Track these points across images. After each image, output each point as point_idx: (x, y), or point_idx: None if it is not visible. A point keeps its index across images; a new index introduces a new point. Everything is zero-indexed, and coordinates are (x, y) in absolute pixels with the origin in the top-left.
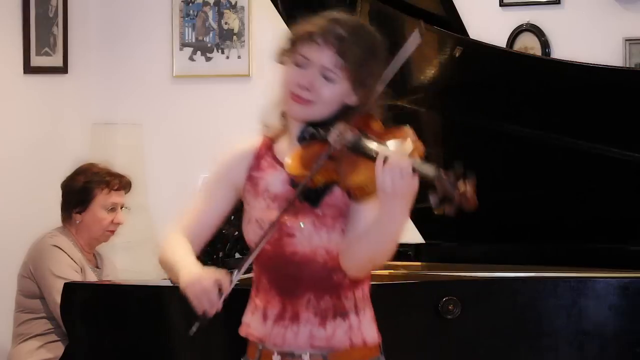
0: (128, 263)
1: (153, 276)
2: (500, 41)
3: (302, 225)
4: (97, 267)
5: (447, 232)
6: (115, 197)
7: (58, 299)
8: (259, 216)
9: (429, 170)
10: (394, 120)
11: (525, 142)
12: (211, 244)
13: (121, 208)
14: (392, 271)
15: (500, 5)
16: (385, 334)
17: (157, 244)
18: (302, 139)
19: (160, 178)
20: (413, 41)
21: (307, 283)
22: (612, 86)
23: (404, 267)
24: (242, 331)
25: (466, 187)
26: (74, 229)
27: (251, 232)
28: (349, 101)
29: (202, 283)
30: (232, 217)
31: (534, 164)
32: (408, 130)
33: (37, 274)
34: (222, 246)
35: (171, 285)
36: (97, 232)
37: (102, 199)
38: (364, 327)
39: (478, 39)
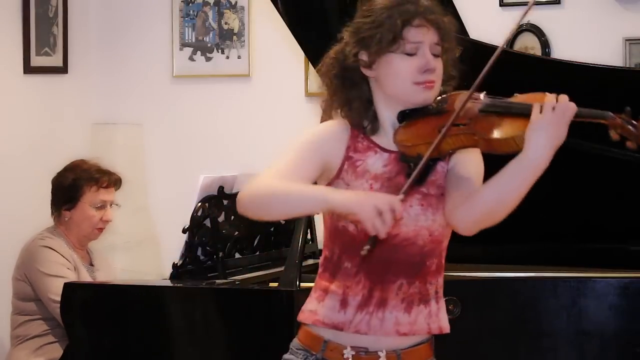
0: (128, 263)
1: (153, 276)
2: (500, 41)
3: (410, 207)
4: (91, 264)
5: None
6: (104, 195)
7: (54, 297)
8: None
9: (599, 113)
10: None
11: None
12: (211, 244)
13: (111, 205)
14: None
15: (500, 5)
16: None
17: (157, 243)
18: (403, 118)
19: (160, 178)
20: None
21: (400, 268)
22: (612, 86)
23: None
24: (308, 319)
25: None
26: (63, 227)
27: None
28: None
29: (380, 199)
30: (233, 217)
31: None
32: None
33: (30, 276)
34: (222, 246)
35: (171, 285)
36: (87, 230)
37: (91, 196)
38: (442, 314)
39: (478, 39)
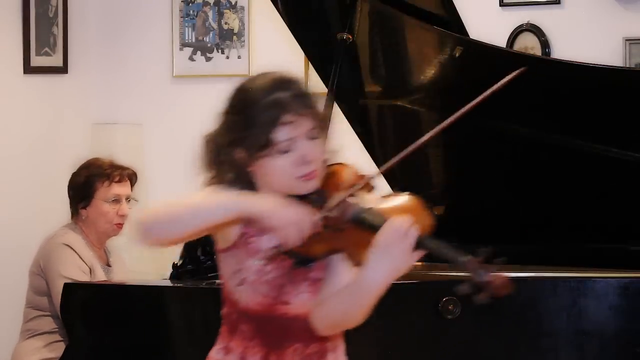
0: (128, 263)
1: (153, 276)
2: (500, 41)
3: (300, 293)
4: (108, 264)
5: (447, 232)
6: (117, 189)
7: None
8: (253, 278)
9: (452, 254)
10: (394, 121)
11: (525, 142)
12: (211, 244)
13: (127, 200)
14: None
15: (500, 5)
16: (385, 333)
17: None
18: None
19: (160, 178)
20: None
21: (296, 335)
22: (612, 86)
23: None
24: None
25: (497, 277)
26: (82, 225)
27: (243, 293)
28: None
29: (296, 211)
30: None
31: (534, 164)
32: (409, 196)
33: (47, 271)
34: None
35: (171, 285)
36: (104, 226)
37: (104, 191)
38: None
39: (478, 39)
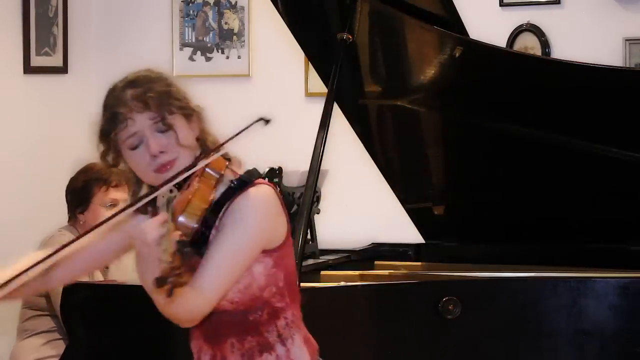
0: (128, 263)
1: None
2: (500, 41)
3: None
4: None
5: (447, 232)
6: (115, 194)
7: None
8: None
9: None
10: (394, 121)
11: (525, 142)
12: None
13: None
14: (392, 271)
15: (500, 5)
16: (385, 334)
17: None
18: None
19: None
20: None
21: (227, 328)
22: (612, 86)
23: (404, 267)
24: None
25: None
26: (80, 229)
27: None
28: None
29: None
30: None
31: (534, 164)
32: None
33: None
34: None
35: None
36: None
37: (101, 196)
38: (293, 354)
39: (478, 39)
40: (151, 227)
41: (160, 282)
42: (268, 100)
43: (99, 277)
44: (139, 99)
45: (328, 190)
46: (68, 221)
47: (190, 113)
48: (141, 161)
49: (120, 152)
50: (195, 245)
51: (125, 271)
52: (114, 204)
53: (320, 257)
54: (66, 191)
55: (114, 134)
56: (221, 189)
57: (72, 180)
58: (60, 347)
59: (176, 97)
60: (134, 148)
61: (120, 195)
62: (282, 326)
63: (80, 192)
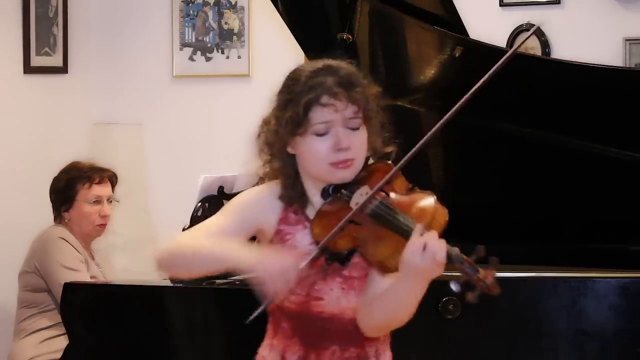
0: (128, 263)
1: (153, 276)
2: (500, 41)
3: (331, 290)
4: (96, 264)
5: (447, 232)
6: (98, 190)
7: None
8: None
9: (452, 252)
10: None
11: (525, 142)
12: None
13: (109, 201)
14: None
15: (500, 5)
16: None
17: (157, 243)
18: (326, 194)
19: (160, 178)
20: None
21: (333, 336)
22: (612, 86)
23: None
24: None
25: (488, 276)
26: (66, 227)
27: None
28: (373, 147)
29: (276, 261)
30: None
31: (534, 164)
32: (432, 197)
33: (44, 267)
34: None
35: (171, 285)
36: (87, 227)
37: (85, 193)
38: None
39: (478, 39)
40: (441, 245)
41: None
42: (268, 100)
43: (95, 272)
44: (348, 88)
45: None
46: (54, 220)
47: (376, 120)
48: (322, 150)
49: (295, 133)
50: None
51: (114, 272)
52: (98, 200)
53: None
54: (50, 191)
55: (309, 112)
56: None
57: (56, 180)
58: (58, 343)
59: (373, 101)
60: (320, 134)
61: (104, 191)
62: (381, 341)
63: (64, 190)
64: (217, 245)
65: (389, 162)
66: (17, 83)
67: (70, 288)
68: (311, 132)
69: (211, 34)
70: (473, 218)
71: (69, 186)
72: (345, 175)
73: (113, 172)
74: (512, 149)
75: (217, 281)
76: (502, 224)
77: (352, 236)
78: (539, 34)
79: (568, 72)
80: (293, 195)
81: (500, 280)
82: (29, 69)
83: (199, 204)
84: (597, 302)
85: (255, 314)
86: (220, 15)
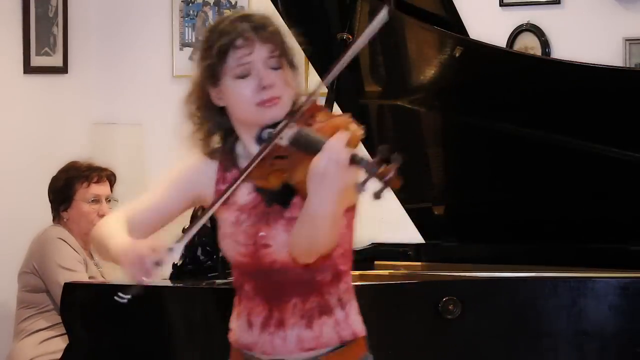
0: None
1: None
2: (500, 41)
3: (277, 234)
4: (95, 264)
5: (447, 232)
6: (96, 189)
7: None
8: (231, 230)
9: (359, 158)
10: (394, 121)
11: (525, 142)
12: (211, 244)
13: (108, 200)
14: (392, 271)
15: (500, 5)
16: (385, 334)
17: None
18: (260, 141)
19: (160, 178)
20: (378, 21)
21: (292, 287)
22: (612, 86)
23: (404, 267)
24: (230, 337)
25: (387, 169)
26: (65, 227)
27: (228, 247)
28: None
29: (136, 250)
30: None
31: (534, 164)
32: (348, 118)
33: (43, 268)
34: None
35: (171, 285)
36: (86, 227)
37: (83, 192)
38: (352, 320)
39: (478, 39)
40: (341, 145)
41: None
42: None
43: (94, 271)
44: (260, 30)
45: None
46: (53, 220)
47: (296, 66)
48: (246, 91)
49: (217, 81)
50: None
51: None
52: (96, 199)
53: None
54: (49, 190)
55: (226, 58)
56: None
57: (54, 180)
58: (58, 343)
59: (289, 42)
60: (241, 77)
61: (102, 190)
62: (343, 290)
63: (63, 189)
64: (110, 231)
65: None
66: (17, 83)
67: (70, 288)
68: (232, 76)
69: None
70: (473, 218)
71: (68, 186)
72: (274, 113)
73: (111, 172)
74: (512, 149)
75: (217, 281)
76: (502, 224)
77: (280, 170)
78: (539, 34)
79: (568, 72)
80: (230, 149)
81: (500, 280)
82: (29, 69)
83: None
84: (597, 302)
85: (127, 296)
86: (220, 15)
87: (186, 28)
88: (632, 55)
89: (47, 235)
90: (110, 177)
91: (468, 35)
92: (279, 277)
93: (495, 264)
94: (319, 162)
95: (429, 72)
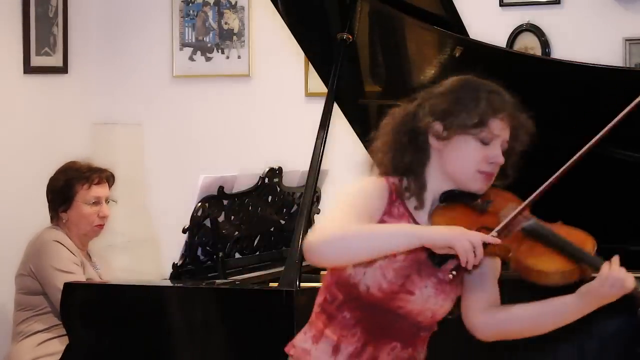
0: (128, 263)
1: (153, 276)
2: (500, 41)
3: (425, 287)
4: (92, 265)
5: None
6: (97, 191)
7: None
8: (384, 264)
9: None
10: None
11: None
12: (211, 244)
13: (107, 202)
14: None
15: (500, 5)
16: None
17: (157, 243)
18: (447, 198)
19: (160, 178)
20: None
21: (397, 333)
22: (612, 86)
23: None
24: (301, 357)
25: None
26: (63, 228)
27: (371, 276)
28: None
29: (472, 239)
30: (233, 217)
31: (533, 164)
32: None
33: (39, 270)
34: (222, 246)
35: (171, 285)
36: (86, 228)
37: (84, 194)
38: None
39: (478, 39)
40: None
41: None
42: (268, 100)
43: (92, 273)
44: (519, 115)
45: (328, 190)
46: (51, 220)
47: (515, 160)
48: (478, 156)
49: (454, 130)
50: None
51: (112, 272)
52: (97, 201)
53: None
54: (47, 191)
55: (488, 121)
56: None
57: (53, 180)
58: (56, 345)
59: (523, 141)
60: (485, 143)
61: (102, 192)
62: (425, 351)
63: (62, 190)
64: (387, 225)
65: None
66: (17, 83)
67: (70, 288)
68: (480, 137)
69: (211, 34)
70: None
71: (68, 187)
72: (484, 186)
73: (111, 172)
74: None
75: (217, 281)
76: None
77: (493, 246)
78: (539, 34)
79: (568, 72)
80: (415, 189)
81: (500, 280)
82: (29, 69)
83: (199, 204)
84: None
85: (453, 272)
86: (220, 15)
87: (186, 28)
88: (632, 55)
89: (43, 239)
90: (109, 178)
91: (468, 35)
92: (395, 319)
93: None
94: (603, 287)
95: (429, 72)
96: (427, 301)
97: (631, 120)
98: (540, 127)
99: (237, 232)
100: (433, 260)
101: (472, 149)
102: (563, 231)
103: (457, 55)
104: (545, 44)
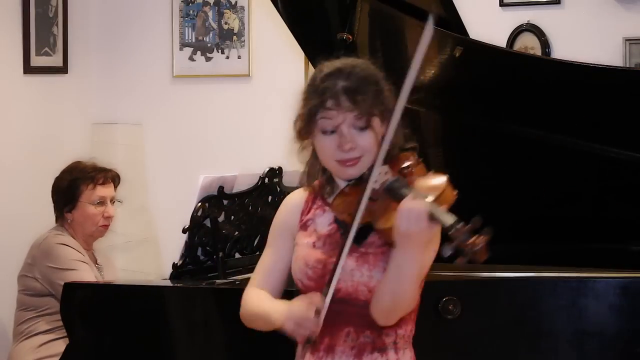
0: (128, 263)
1: (153, 276)
2: (500, 41)
3: (347, 262)
4: (97, 264)
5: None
6: (102, 191)
7: None
8: (306, 253)
9: (446, 219)
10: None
11: (525, 142)
12: (211, 244)
13: (112, 202)
14: None
15: (500, 5)
16: None
17: (157, 243)
18: (349, 180)
19: (160, 178)
20: (425, 38)
21: (348, 317)
22: (612, 86)
23: None
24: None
25: (478, 241)
26: (68, 228)
27: (297, 269)
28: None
29: (295, 314)
30: (233, 217)
31: (533, 164)
32: (443, 177)
33: (48, 276)
34: (222, 246)
35: (171, 285)
36: (91, 228)
37: (89, 194)
38: None
39: (478, 39)
40: (418, 206)
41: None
42: (268, 100)
43: (96, 274)
44: (350, 96)
45: None
46: (55, 221)
47: (389, 115)
48: (328, 147)
49: (311, 130)
50: None
51: (116, 272)
52: (102, 201)
53: None
54: (52, 191)
55: (315, 115)
56: None
57: (58, 180)
58: (57, 346)
59: (384, 100)
60: (326, 133)
61: (107, 192)
62: (401, 335)
63: (67, 190)
64: (262, 306)
65: (413, 152)
66: (17, 83)
67: (71, 288)
68: (319, 129)
69: (211, 34)
70: (473, 218)
71: (73, 187)
72: (353, 172)
73: (116, 173)
74: (512, 149)
75: (217, 281)
76: (503, 224)
77: (367, 211)
78: (539, 34)
79: (568, 72)
80: (326, 184)
81: (500, 280)
82: (29, 69)
83: (199, 204)
84: (597, 302)
85: (307, 346)
86: (220, 15)
87: (186, 28)
88: (632, 55)
89: (49, 243)
90: (114, 178)
91: (468, 35)
92: (339, 305)
93: (495, 264)
94: (401, 219)
95: (429, 72)
96: (353, 275)
97: (631, 120)
98: (540, 126)
99: (237, 232)
100: (346, 233)
101: (319, 142)
102: (425, 183)
103: (457, 55)
104: (545, 44)
